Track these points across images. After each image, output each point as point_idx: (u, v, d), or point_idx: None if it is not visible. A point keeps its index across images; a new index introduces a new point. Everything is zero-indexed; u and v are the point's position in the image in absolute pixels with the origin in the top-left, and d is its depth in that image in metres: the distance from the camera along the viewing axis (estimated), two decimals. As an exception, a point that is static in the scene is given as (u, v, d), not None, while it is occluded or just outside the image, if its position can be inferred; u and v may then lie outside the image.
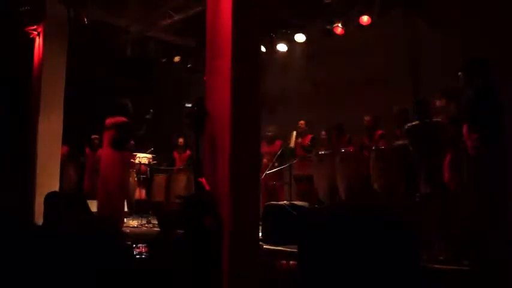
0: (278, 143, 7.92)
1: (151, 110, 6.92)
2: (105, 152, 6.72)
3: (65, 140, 8.76)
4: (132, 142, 7.26)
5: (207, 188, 3.33)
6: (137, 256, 2.94)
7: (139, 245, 3.00)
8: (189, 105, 4.21)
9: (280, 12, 8.35)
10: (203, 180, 3.40)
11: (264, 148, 7.99)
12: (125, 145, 6.59)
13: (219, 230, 2.82)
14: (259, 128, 4.53)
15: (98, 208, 6.45)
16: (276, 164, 7.48)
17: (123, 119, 6.52)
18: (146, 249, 2.98)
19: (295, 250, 1.10)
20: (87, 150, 9.61)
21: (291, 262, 4.48)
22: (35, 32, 7.61)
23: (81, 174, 9.72)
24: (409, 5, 7.13)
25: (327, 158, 6.59)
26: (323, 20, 8.14)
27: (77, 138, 9.17)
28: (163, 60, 9.86)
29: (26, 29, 7.60)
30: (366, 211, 1.04)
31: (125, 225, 7.51)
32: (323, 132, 7.50)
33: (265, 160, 7.70)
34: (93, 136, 9.38)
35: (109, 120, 6.58)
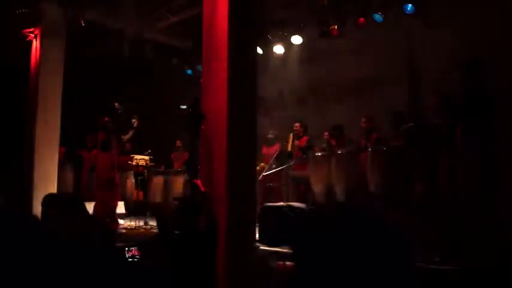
0: (278, 144, 7.98)
1: (136, 117, 7.03)
2: (95, 153, 6.85)
3: (62, 141, 8.81)
4: (126, 143, 7.32)
5: (202, 189, 3.35)
6: (129, 259, 2.94)
7: (131, 248, 3.01)
8: (184, 107, 4.23)
9: (277, 14, 8.37)
10: (198, 181, 3.41)
11: (264, 150, 8.07)
12: (109, 145, 6.66)
13: (213, 231, 2.83)
14: (256, 130, 4.55)
15: (94, 209, 6.50)
16: (274, 166, 7.52)
17: (104, 119, 6.64)
18: (138, 252, 2.99)
19: (292, 251, 1.12)
20: (83, 151, 9.63)
21: (288, 263, 4.49)
22: (32, 35, 7.61)
23: (79, 175, 9.73)
24: (406, 6, 7.15)
25: (324, 160, 6.61)
26: (320, 22, 8.16)
27: (73, 139, 9.20)
28: (161, 62, 9.87)
29: (23, 31, 7.60)
30: (359, 212, 1.05)
31: (122, 226, 7.54)
32: (326, 133, 7.51)
33: (264, 162, 7.75)
34: (88, 137, 9.41)
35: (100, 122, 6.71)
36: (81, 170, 9.67)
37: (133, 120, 7.00)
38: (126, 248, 3.02)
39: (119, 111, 6.84)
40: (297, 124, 7.74)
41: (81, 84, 9.43)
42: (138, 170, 8.36)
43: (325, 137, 7.45)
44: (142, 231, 7.31)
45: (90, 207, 6.42)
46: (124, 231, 7.02)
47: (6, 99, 8.12)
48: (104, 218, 6.63)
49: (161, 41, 9.52)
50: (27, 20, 7.53)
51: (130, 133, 6.99)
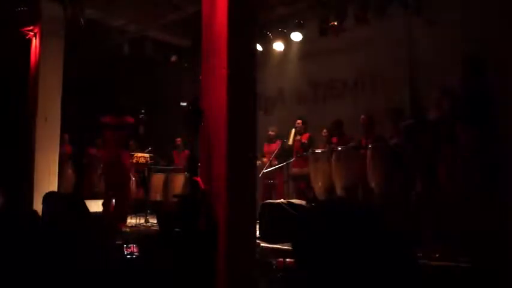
0: (278, 142, 8.00)
1: (143, 111, 7.07)
2: (113, 152, 6.82)
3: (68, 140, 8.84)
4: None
5: (202, 186, 3.34)
6: (128, 256, 2.94)
7: (130, 245, 3.01)
8: (184, 103, 4.23)
9: (277, 11, 8.36)
10: (198, 179, 3.41)
11: (265, 147, 8.09)
12: (129, 143, 6.72)
13: (213, 229, 2.83)
14: (256, 127, 4.54)
15: (103, 207, 6.52)
16: (274, 163, 7.53)
17: (131, 119, 6.65)
18: (137, 249, 2.99)
19: (292, 248, 1.12)
20: (90, 149, 9.63)
21: (288, 260, 4.50)
22: (32, 33, 7.60)
23: (80, 173, 9.74)
24: (406, 3, 7.13)
25: (324, 157, 6.61)
26: (319, 19, 8.15)
27: (78, 138, 9.22)
28: (160, 59, 9.86)
29: (23, 29, 7.59)
30: (359, 209, 1.05)
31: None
32: (324, 130, 7.52)
33: (265, 159, 7.81)
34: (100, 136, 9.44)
35: (115, 120, 6.68)
36: (88, 168, 9.68)
37: (141, 116, 7.05)
38: (125, 245, 3.02)
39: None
40: (299, 121, 7.75)
41: (81, 82, 9.42)
42: (138, 168, 8.37)
43: (324, 134, 7.45)
44: (142, 229, 7.32)
45: (91, 205, 6.44)
46: (128, 229, 7.03)
47: (5, 98, 8.11)
48: (113, 216, 6.67)
49: (161, 38, 9.51)
50: (26, 18, 7.52)
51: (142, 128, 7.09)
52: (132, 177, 8.55)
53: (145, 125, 7.05)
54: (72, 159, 9.49)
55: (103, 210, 6.70)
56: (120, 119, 6.78)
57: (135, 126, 6.80)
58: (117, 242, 3.02)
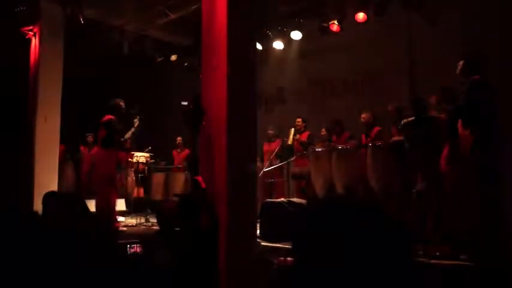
0: (278, 141, 8.00)
1: (137, 117, 7.06)
2: (95, 150, 7.12)
3: (61, 139, 8.81)
4: (127, 141, 7.31)
5: (204, 185, 3.34)
6: (131, 256, 2.95)
7: (133, 245, 3.01)
8: (185, 103, 4.22)
9: (276, 10, 8.35)
10: (199, 178, 3.41)
11: (265, 147, 8.11)
12: (111, 142, 6.66)
13: (214, 228, 2.83)
14: (256, 126, 4.54)
15: (96, 205, 6.50)
16: (275, 162, 7.53)
17: (109, 117, 6.62)
18: (140, 248, 2.99)
19: (291, 246, 1.11)
20: (82, 148, 9.65)
21: (288, 259, 4.50)
22: (31, 33, 7.60)
23: (79, 173, 9.76)
24: (406, 2, 7.12)
25: (325, 155, 6.61)
26: (319, 18, 8.15)
27: (73, 137, 9.22)
28: (160, 59, 9.86)
29: (22, 29, 7.59)
30: (359, 207, 1.05)
31: (123, 224, 7.55)
32: (323, 129, 7.52)
33: (265, 158, 7.83)
34: (87, 134, 9.45)
35: (101, 120, 6.71)
36: (80, 167, 9.70)
37: (135, 120, 7.02)
38: (128, 245, 3.02)
39: (123, 111, 6.85)
40: (298, 119, 7.75)
41: (80, 82, 9.42)
42: (138, 167, 8.37)
43: (322, 133, 7.45)
44: (143, 229, 7.32)
45: (91, 204, 6.43)
46: (125, 228, 7.03)
47: (5, 98, 8.11)
48: (106, 216, 6.64)
49: (161, 37, 9.51)
50: (26, 18, 7.52)
51: (130, 132, 7.01)
52: (131, 176, 8.57)
53: (136, 129, 7.03)
54: (71, 158, 9.51)
55: (97, 210, 6.67)
56: (100, 119, 6.79)
57: (111, 122, 6.72)
58: (120, 242, 3.02)
